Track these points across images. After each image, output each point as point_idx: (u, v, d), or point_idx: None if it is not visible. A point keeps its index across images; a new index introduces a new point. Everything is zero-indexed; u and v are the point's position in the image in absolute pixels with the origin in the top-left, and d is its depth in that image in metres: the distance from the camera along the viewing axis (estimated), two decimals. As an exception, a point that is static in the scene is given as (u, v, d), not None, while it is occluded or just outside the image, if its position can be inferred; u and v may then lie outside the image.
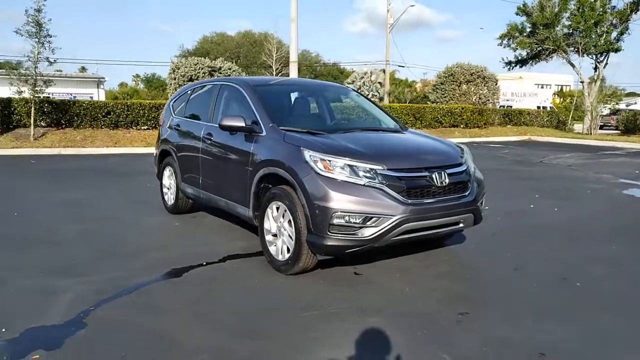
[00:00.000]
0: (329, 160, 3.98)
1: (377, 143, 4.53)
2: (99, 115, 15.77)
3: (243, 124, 4.71)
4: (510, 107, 31.31)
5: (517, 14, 24.42)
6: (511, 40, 24.51)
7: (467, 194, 4.34)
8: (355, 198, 3.87)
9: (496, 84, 24.55)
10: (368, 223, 3.87)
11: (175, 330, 3.27)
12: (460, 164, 4.43)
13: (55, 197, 7.63)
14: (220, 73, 18.51)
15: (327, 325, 3.37)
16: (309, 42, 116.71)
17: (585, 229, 6.10)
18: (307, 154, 4.06)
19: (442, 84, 24.00)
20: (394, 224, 3.88)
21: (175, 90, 18.03)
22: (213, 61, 18.63)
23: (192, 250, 4.98)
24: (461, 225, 4.40)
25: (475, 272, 4.51)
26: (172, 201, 6.46)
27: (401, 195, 3.96)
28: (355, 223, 3.87)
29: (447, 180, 4.17)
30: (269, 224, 4.43)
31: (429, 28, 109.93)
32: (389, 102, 32.02)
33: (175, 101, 6.72)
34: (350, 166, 3.97)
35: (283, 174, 4.20)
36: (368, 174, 3.96)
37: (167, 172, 6.55)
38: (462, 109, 21.90)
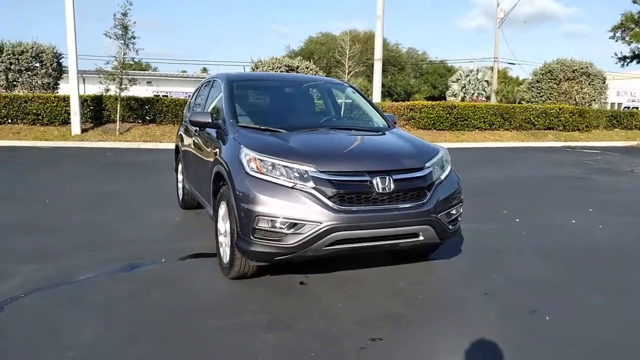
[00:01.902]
0: (261, 160, 3.73)
1: (325, 143, 4.17)
2: (180, 112, 16.70)
3: (209, 120, 4.61)
4: (637, 108, 27.86)
5: (634, 1, 21.67)
6: (625, 32, 21.80)
7: (421, 202, 3.83)
8: (281, 202, 3.58)
9: (603, 82, 21.98)
10: (292, 230, 3.56)
11: (72, 325, 3.26)
12: (418, 169, 3.92)
13: (98, 188, 8.15)
14: (297, 72, 18.67)
15: (220, 336, 3.15)
16: (415, 39, 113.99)
17: (613, 254, 5.14)
18: (243, 153, 3.85)
19: (538, 82, 22.04)
20: (319, 232, 3.53)
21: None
22: (291, 60, 18.85)
23: (164, 247, 4.99)
24: (421, 237, 3.90)
25: (435, 293, 3.97)
26: (181, 196, 6.58)
27: (332, 201, 3.59)
28: (281, 229, 3.58)
29: (392, 186, 3.71)
30: (221, 224, 4.28)
31: (548, 22, 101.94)
32: (497, 101, 30.13)
33: (192, 97, 6.83)
34: (282, 167, 3.68)
35: (223, 173, 4.03)
36: (299, 176, 3.64)
37: (179, 167, 6.68)
38: (560, 109, 19.92)
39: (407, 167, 3.89)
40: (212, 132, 4.76)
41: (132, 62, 15.27)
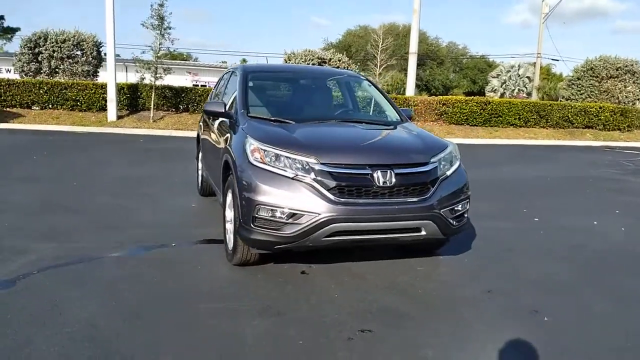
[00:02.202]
0: (265, 150, 3.77)
1: (329, 135, 4.17)
2: (212, 101, 16.96)
3: (222, 110, 4.68)
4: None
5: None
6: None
7: (424, 197, 3.79)
8: (281, 191, 3.61)
9: (650, 81, 20.99)
10: (291, 220, 3.60)
11: (74, 303, 3.39)
12: (422, 164, 3.87)
13: (125, 172, 8.41)
14: (330, 64, 18.63)
15: (212, 320, 3.22)
16: (457, 34, 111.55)
17: (628, 259, 4.96)
18: (248, 143, 3.90)
19: (578, 79, 21.27)
20: (317, 222, 3.55)
21: (285, 79, 18.64)
22: (324, 52, 18.82)
23: (177, 231, 5.12)
24: (423, 232, 3.86)
25: (435, 289, 3.93)
26: (199, 183, 6.71)
27: (331, 192, 3.60)
28: (280, 218, 3.62)
29: (393, 180, 3.69)
30: (228, 212, 4.36)
31: (597, 18, 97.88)
32: (538, 98, 29.23)
33: (215, 87, 6.94)
34: (284, 157, 3.71)
35: (230, 162, 4.10)
36: (300, 167, 3.66)
37: (199, 155, 6.81)
38: (600, 108, 19.19)
39: (411, 162, 3.85)
40: (226, 122, 4.84)
41: (167, 52, 15.51)
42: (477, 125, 18.20)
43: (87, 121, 15.35)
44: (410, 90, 21.16)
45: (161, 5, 14.98)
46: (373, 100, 5.39)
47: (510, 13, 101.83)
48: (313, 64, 18.36)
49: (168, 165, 9.56)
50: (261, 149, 3.79)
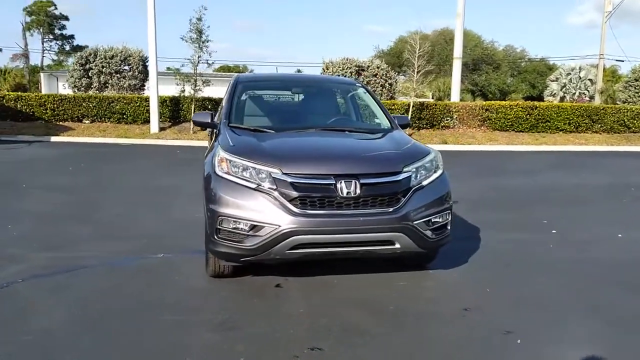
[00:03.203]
0: (230, 161, 3.74)
1: (299, 145, 4.08)
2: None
3: (207, 120, 4.71)
4: None
5: None
6: None
7: (393, 209, 3.62)
8: (242, 203, 3.56)
9: None
10: (252, 232, 3.53)
11: (42, 312, 3.48)
12: (392, 174, 3.70)
13: (150, 183, 8.67)
14: (368, 71, 18.48)
15: (165, 332, 3.20)
16: (513, 36, 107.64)
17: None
18: (217, 153, 3.88)
19: (636, 80, 19.93)
20: (277, 235, 3.46)
21: (324, 88, 18.65)
22: (362, 60, 18.69)
23: (173, 242, 5.17)
24: (397, 245, 3.69)
25: (409, 305, 3.72)
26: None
27: (292, 204, 3.51)
28: (242, 230, 3.57)
29: (357, 191, 3.54)
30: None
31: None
32: (601, 102, 27.65)
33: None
34: (248, 168, 3.66)
35: (204, 173, 4.10)
36: (263, 178, 3.60)
37: None
38: (661, 111, 17.87)
39: (379, 171, 3.69)
40: (215, 132, 4.86)
41: (206, 64, 15.96)
42: (522, 132, 17.45)
43: (131, 133, 15.99)
44: (454, 95, 20.64)
45: (199, 19, 15.44)
46: (366, 108, 5.25)
47: (573, 13, 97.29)
48: (351, 72, 18.29)
49: (194, 176, 9.69)
50: (227, 159, 3.76)
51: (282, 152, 3.83)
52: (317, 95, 5.40)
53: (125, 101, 16.78)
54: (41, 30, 59.98)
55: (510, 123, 17.46)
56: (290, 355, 2.96)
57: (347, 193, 3.53)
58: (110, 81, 18.05)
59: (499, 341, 3.18)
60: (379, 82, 18.60)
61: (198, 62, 15.83)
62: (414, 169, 3.84)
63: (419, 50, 16.62)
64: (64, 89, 23.58)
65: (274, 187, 3.55)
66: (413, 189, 3.75)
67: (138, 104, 16.80)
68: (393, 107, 17.21)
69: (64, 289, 3.91)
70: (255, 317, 3.47)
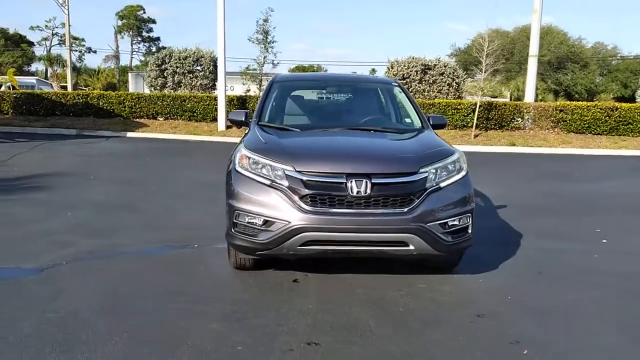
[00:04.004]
0: (249, 158, 3.86)
1: (317, 143, 4.11)
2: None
3: (242, 119, 4.88)
4: None
5: None
6: None
7: (405, 210, 3.57)
8: (256, 198, 3.68)
9: None
10: (264, 227, 3.63)
11: (71, 293, 3.79)
12: (406, 174, 3.65)
13: (203, 177, 9.06)
14: (434, 70, 18.09)
15: (174, 319, 3.37)
16: (602, 33, 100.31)
17: None
18: (239, 150, 4.02)
19: None
20: (287, 231, 3.54)
21: (388, 88, 18.48)
22: (429, 59, 18.31)
23: (209, 234, 5.38)
24: (411, 247, 3.64)
25: (420, 308, 3.64)
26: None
27: (303, 201, 3.56)
28: (256, 225, 3.68)
29: (368, 190, 3.53)
30: None
31: None
32: None
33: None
34: (265, 165, 3.76)
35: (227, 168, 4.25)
36: (278, 175, 3.68)
37: None
38: None
39: (392, 172, 3.66)
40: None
41: (271, 64, 16.39)
42: (600, 134, 16.31)
43: (200, 130, 16.74)
44: (529, 95, 19.67)
45: (265, 20, 15.90)
46: (400, 107, 5.18)
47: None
48: (416, 71, 18.00)
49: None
50: (247, 156, 3.89)
51: (298, 150, 3.90)
52: (351, 95, 5.42)
53: (195, 100, 17.59)
54: (131, 33, 64.17)
55: (587, 125, 16.39)
56: (285, 348, 3.02)
57: (358, 192, 3.54)
58: (183, 81, 18.99)
59: (504, 350, 3.05)
60: (445, 81, 18.17)
61: (264, 62, 16.28)
62: (433, 170, 3.76)
63: (487, 47, 16.02)
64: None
65: (287, 184, 3.63)
66: (429, 190, 3.67)
67: (207, 102, 17.55)
68: (459, 107, 16.75)
69: (97, 273, 4.22)
70: (264, 309, 3.56)
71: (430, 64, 18.23)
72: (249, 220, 3.70)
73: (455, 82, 18.22)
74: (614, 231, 5.93)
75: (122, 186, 8.07)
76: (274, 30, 16.08)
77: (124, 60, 61.70)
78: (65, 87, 36.09)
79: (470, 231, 3.89)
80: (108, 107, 17.81)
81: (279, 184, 3.65)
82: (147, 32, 65.97)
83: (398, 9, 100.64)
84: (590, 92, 52.34)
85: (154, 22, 65.94)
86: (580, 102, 17.72)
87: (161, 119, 17.92)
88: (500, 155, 14.16)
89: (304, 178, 3.60)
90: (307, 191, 3.58)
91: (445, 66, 18.20)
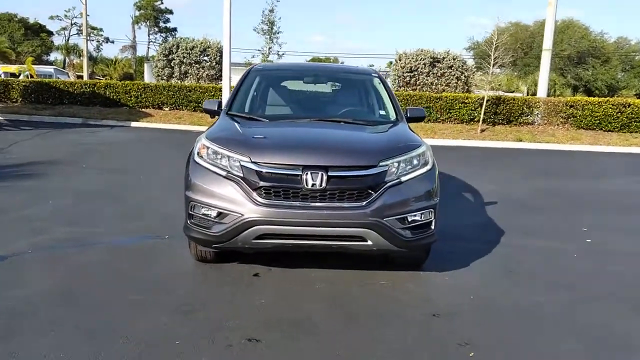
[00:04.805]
0: (207, 148, 3.79)
1: (277, 134, 4.01)
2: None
3: (214, 108, 4.80)
4: None
5: None
6: None
7: (361, 204, 3.47)
8: (211, 190, 3.61)
9: None
10: (218, 219, 3.57)
11: (32, 281, 3.78)
12: (364, 167, 3.54)
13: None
14: (444, 62, 17.80)
15: (122, 310, 3.34)
16: (626, 27, 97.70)
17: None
18: (200, 139, 3.95)
19: None
20: (239, 223, 3.46)
21: (395, 81, 18.28)
22: (438, 51, 18.01)
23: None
24: (369, 243, 3.54)
25: (374, 306, 3.55)
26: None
27: (257, 193, 3.48)
28: (210, 217, 3.61)
29: (324, 183, 3.43)
30: None
31: None
32: None
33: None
34: (222, 155, 3.68)
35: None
36: (234, 166, 3.60)
37: None
38: None
39: (348, 164, 3.55)
40: None
41: (276, 55, 16.32)
42: (611, 131, 15.91)
43: (204, 121, 16.66)
44: (541, 90, 19.27)
45: (271, 11, 15.82)
46: (376, 98, 5.05)
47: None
48: (424, 64, 17.74)
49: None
50: (206, 146, 3.81)
51: (255, 140, 3.81)
52: (328, 86, 5.31)
53: (201, 90, 17.60)
54: (148, 23, 64.57)
55: (597, 121, 16.00)
56: (225, 343, 2.96)
57: (313, 185, 3.45)
58: (190, 71, 19.01)
59: (450, 352, 2.96)
60: (454, 75, 17.89)
61: (269, 53, 16.20)
62: (394, 164, 3.65)
63: (496, 40, 15.69)
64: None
65: (242, 175, 3.55)
66: (388, 184, 3.57)
67: (212, 93, 17.53)
68: (466, 101, 16.48)
69: (60, 262, 4.20)
70: (216, 303, 3.51)
71: (439, 56, 17.94)
72: (204, 212, 3.63)
73: (464, 76, 17.92)
74: (601, 230, 5.75)
75: (112, 175, 8.08)
76: (279, 21, 16.01)
77: (141, 51, 62.26)
78: (81, 77, 36.46)
79: (433, 227, 3.77)
80: (114, 97, 17.91)
81: (235, 175, 3.58)
82: (164, 22, 66.32)
83: (418, 2, 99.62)
84: (611, 88, 51.18)
85: (171, 12, 66.25)
86: (592, 98, 17.31)
87: (167, 109, 17.97)
88: (505, 150, 13.90)
89: (259, 169, 3.52)
90: (261, 183, 3.50)
91: (454, 59, 17.90)
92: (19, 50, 53.04)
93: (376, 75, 5.25)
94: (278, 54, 16.35)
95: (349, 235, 3.54)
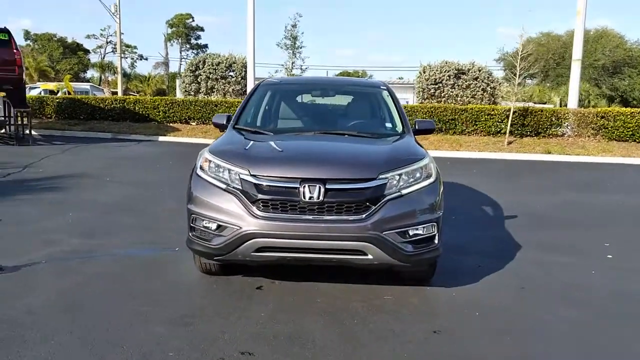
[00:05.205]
0: (210, 161, 3.82)
1: (279, 147, 4.00)
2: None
3: (223, 122, 4.85)
4: None
5: None
6: None
7: (359, 217, 3.42)
8: (211, 202, 3.63)
9: None
10: (217, 231, 3.58)
11: (37, 291, 3.86)
12: (363, 180, 3.50)
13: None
14: (468, 74, 17.59)
15: (122, 320, 3.38)
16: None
17: None
18: (203, 153, 3.99)
19: None
20: (239, 236, 3.47)
21: (419, 94, 18.15)
22: (463, 63, 17.81)
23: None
24: (369, 256, 3.49)
25: (374, 321, 3.48)
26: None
27: (255, 206, 3.48)
28: (210, 229, 3.63)
29: (322, 196, 3.41)
30: None
31: None
32: None
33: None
34: (223, 169, 3.71)
35: None
36: (234, 179, 3.62)
37: None
38: None
39: (347, 177, 3.52)
40: None
41: (299, 69, 16.47)
42: (645, 142, 15.36)
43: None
44: (572, 101, 18.78)
45: (294, 26, 15.98)
46: (384, 111, 5.02)
47: None
48: (449, 75, 17.57)
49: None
50: (208, 159, 3.85)
51: (256, 153, 3.83)
52: (336, 99, 5.30)
53: (227, 105, 17.84)
54: (179, 40, 66.30)
55: (630, 133, 15.48)
56: (218, 356, 2.95)
57: (310, 198, 3.43)
58: (216, 86, 19.33)
59: (446, 370, 2.87)
60: (479, 86, 17.64)
61: (292, 67, 16.35)
62: (395, 176, 3.60)
63: (521, 51, 15.43)
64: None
65: (241, 188, 3.56)
66: (388, 197, 3.51)
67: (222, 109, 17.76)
68: (492, 113, 16.20)
69: (69, 273, 4.29)
70: (215, 315, 3.51)
71: (464, 68, 17.74)
72: (204, 225, 3.66)
73: (490, 87, 17.65)
74: (624, 246, 5.52)
75: (134, 188, 8.25)
76: (302, 36, 16.12)
77: (174, 67, 63.85)
78: (116, 93, 37.56)
79: (437, 241, 3.69)
80: (143, 112, 18.35)
81: (234, 188, 3.59)
82: (195, 39, 68.02)
83: (448, 14, 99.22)
84: (649, 99, 49.57)
85: (202, 29, 67.93)
86: (624, 109, 16.77)
87: (194, 123, 18.28)
88: (532, 163, 13.57)
89: (258, 182, 3.53)
90: (260, 196, 3.50)
91: (479, 70, 17.67)
92: (58, 69, 55.20)
93: (385, 87, 5.21)
94: (301, 69, 16.52)
95: (348, 249, 3.50)
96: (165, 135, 16.78)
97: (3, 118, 14.50)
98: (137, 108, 18.44)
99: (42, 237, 5.27)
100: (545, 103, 41.37)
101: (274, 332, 3.26)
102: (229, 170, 3.67)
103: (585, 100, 45.54)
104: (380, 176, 3.55)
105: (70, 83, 36.81)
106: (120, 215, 6.35)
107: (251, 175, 3.56)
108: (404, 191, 3.58)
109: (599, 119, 15.85)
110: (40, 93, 30.28)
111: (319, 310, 3.63)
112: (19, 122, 14.49)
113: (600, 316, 3.69)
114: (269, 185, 3.52)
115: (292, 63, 16.28)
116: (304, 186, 3.44)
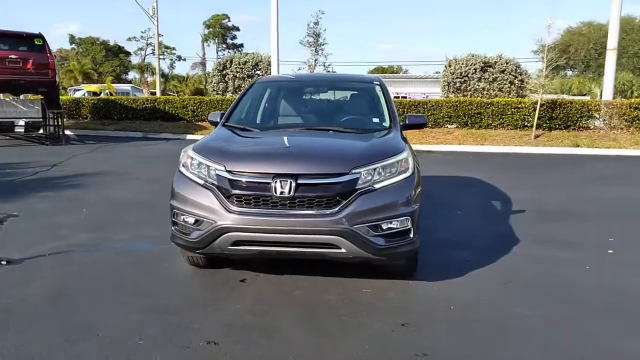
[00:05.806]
0: (191, 158, 3.96)
1: (256, 143, 4.10)
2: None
3: (217, 120, 4.99)
4: None
5: None
6: None
7: (331, 211, 3.48)
8: (190, 197, 3.76)
9: None
10: (195, 225, 3.71)
11: (33, 281, 4.10)
12: (334, 175, 3.55)
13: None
14: (495, 67, 17.21)
15: (103, 309, 3.56)
16: None
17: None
18: (186, 150, 4.13)
19: None
20: (214, 230, 3.58)
21: (446, 88, 17.89)
22: (490, 56, 17.42)
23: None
24: (343, 250, 3.54)
25: (346, 313, 3.53)
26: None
27: (229, 200, 3.59)
28: (189, 223, 3.77)
29: (293, 191, 3.48)
30: None
31: None
32: None
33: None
34: (202, 165, 3.83)
35: None
36: (211, 175, 3.74)
37: None
38: None
39: (318, 172, 3.57)
40: None
41: (322, 66, 16.52)
42: (684, 134, 14.66)
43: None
44: (607, 92, 18.14)
45: (316, 23, 16.05)
46: (376, 106, 5.02)
47: None
48: (475, 69, 17.25)
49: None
50: (190, 156, 3.98)
51: (232, 150, 3.94)
52: (328, 95, 5.35)
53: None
54: (216, 40, 67.46)
55: (667, 124, 14.82)
56: (184, 345, 3.07)
57: (281, 192, 3.51)
58: (243, 85, 19.62)
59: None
60: (506, 79, 17.25)
61: (315, 65, 16.42)
62: (369, 171, 3.63)
63: (549, 42, 14.97)
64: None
65: (217, 183, 3.68)
66: (360, 191, 3.55)
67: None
68: (519, 106, 15.81)
69: (70, 265, 4.52)
70: (193, 306, 3.64)
71: (490, 61, 17.37)
72: (184, 219, 3.80)
73: (518, 80, 17.22)
74: (628, 241, 5.35)
75: (150, 185, 8.53)
76: (324, 33, 16.18)
77: (210, 67, 65.06)
78: (154, 93, 38.65)
79: (412, 235, 3.70)
80: (173, 111, 18.85)
81: (211, 183, 3.71)
82: (231, 39, 69.09)
83: (485, 7, 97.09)
84: (693, 90, 47.11)
85: (237, 29, 68.92)
86: (660, 99, 16.03)
87: (221, 121, 18.62)
88: (559, 157, 13.18)
89: (232, 177, 3.63)
90: (234, 191, 3.60)
91: (507, 63, 17.25)
92: (100, 71, 57.22)
93: (378, 83, 5.22)
94: (324, 65, 16.57)
95: (320, 243, 3.56)
96: (193, 134, 17.18)
97: (40, 119, 15.26)
98: (167, 108, 18.95)
99: (53, 231, 5.55)
100: (585, 95, 39.96)
101: (243, 323, 3.37)
102: (208, 166, 3.79)
103: (629, 91, 43.69)
104: (353, 171, 3.59)
105: (112, 84, 38.14)
106: (132, 211, 6.59)
107: (227, 171, 3.67)
108: (377, 185, 3.61)
109: (632, 110, 15.23)
110: (84, 94, 31.52)
111: (296, 303, 3.71)
112: (54, 123, 15.17)
113: (581, 312, 3.61)
114: (243, 181, 3.61)
115: (315, 60, 16.36)
116: (276, 181, 3.53)
